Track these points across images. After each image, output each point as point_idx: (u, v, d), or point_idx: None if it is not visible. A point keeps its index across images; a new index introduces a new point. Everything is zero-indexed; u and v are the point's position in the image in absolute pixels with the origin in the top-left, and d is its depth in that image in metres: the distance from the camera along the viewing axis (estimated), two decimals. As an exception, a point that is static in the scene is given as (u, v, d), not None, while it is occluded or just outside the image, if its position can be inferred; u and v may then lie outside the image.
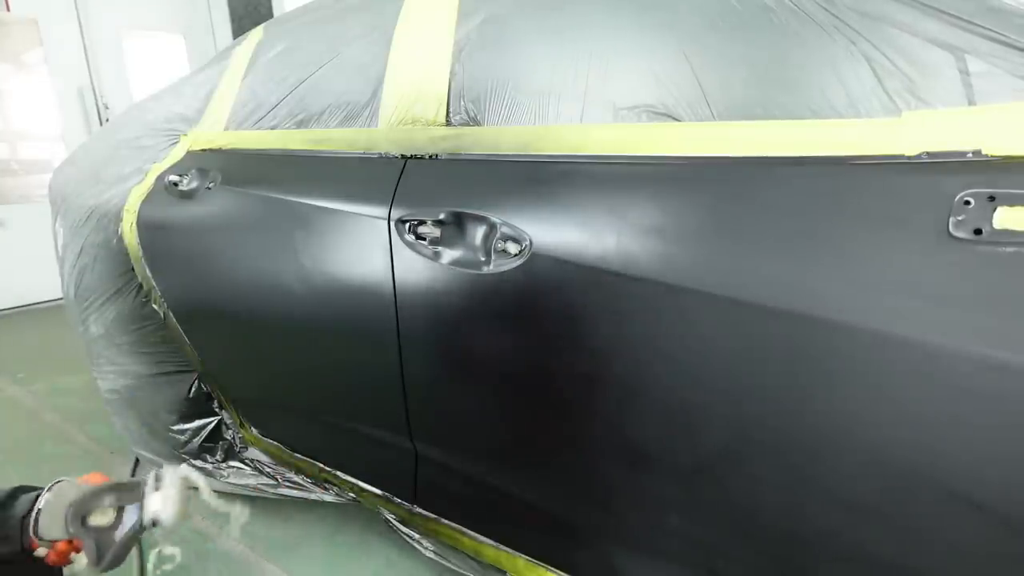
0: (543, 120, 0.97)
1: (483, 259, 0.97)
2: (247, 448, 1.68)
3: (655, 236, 0.81)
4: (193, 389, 1.63)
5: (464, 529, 1.24)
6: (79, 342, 1.76)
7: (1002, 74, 0.64)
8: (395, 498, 1.35)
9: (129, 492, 0.93)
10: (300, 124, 1.33)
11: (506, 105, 1.02)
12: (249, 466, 1.66)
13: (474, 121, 1.05)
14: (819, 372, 0.71)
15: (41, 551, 0.87)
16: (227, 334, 1.49)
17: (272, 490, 1.60)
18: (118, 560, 0.89)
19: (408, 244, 1.05)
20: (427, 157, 1.08)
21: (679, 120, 0.84)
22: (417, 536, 1.34)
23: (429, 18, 1.15)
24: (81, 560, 0.88)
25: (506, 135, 1.00)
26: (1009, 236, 0.60)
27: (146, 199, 1.51)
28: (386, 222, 1.07)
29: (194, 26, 5.59)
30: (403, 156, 1.11)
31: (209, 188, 1.41)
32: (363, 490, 1.41)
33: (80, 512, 0.88)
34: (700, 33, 0.86)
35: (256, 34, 1.63)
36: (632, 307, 0.83)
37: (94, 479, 0.95)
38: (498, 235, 0.95)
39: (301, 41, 1.46)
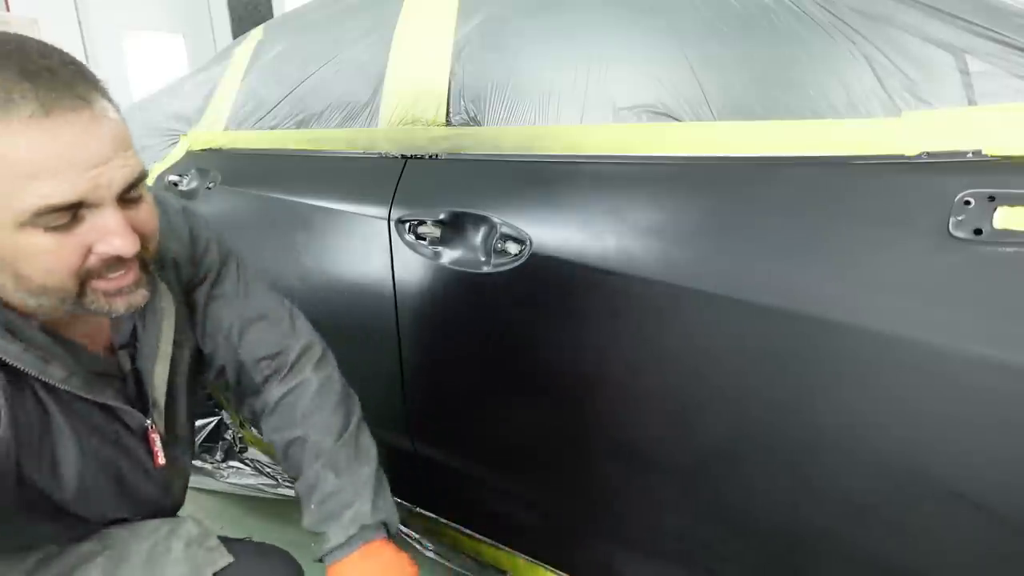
0: (543, 120, 0.97)
1: (483, 259, 0.97)
2: (247, 448, 1.68)
3: (655, 236, 0.81)
4: (193, 389, 1.63)
5: (464, 529, 1.24)
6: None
7: (1002, 74, 0.64)
8: (395, 498, 1.35)
9: None
10: (300, 124, 1.33)
11: (506, 105, 1.02)
12: (249, 466, 1.66)
13: (474, 121, 1.05)
14: (818, 372, 0.71)
15: None
16: (227, 334, 1.49)
17: (272, 490, 1.60)
18: None
19: (408, 244, 1.05)
20: (427, 157, 1.08)
21: (679, 120, 0.83)
22: (417, 536, 1.34)
23: (429, 18, 1.15)
24: None
25: (506, 135, 1.00)
26: (1009, 236, 0.60)
27: (146, 199, 1.51)
28: (386, 222, 1.07)
29: (194, 26, 5.59)
30: (403, 156, 1.11)
31: (209, 188, 1.41)
32: (363, 490, 1.41)
33: None
34: (700, 33, 0.86)
35: (256, 34, 1.63)
36: (632, 307, 0.83)
37: None
38: (498, 235, 0.95)
39: (301, 41, 1.46)
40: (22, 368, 0.58)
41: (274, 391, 0.85)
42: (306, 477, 0.81)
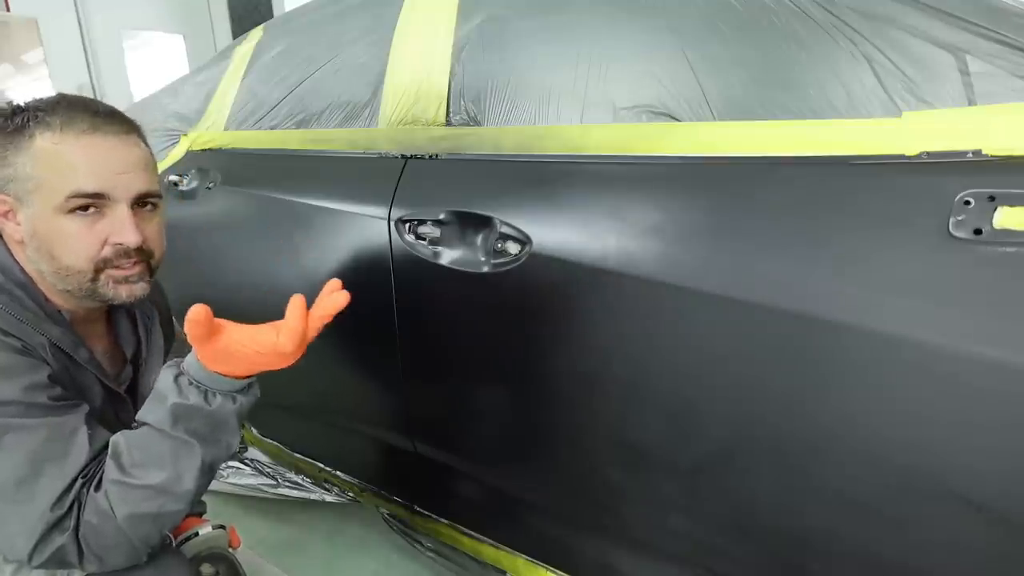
0: (543, 120, 0.97)
1: (483, 259, 0.97)
2: (247, 448, 1.68)
3: (655, 236, 0.81)
4: (193, 389, 1.63)
5: (464, 529, 1.24)
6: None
7: (1002, 74, 0.64)
8: (395, 498, 1.35)
9: None
10: (300, 124, 1.33)
11: (506, 105, 1.02)
12: (249, 466, 1.66)
13: (474, 121, 1.05)
14: (818, 372, 0.71)
15: None
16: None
17: (272, 490, 1.60)
18: None
19: (408, 244, 1.05)
20: (427, 157, 1.08)
21: (679, 120, 0.83)
22: (417, 536, 1.34)
23: (429, 18, 1.15)
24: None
25: (506, 135, 1.00)
26: (1009, 236, 0.60)
27: (146, 199, 1.51)
28: (386, 222, 1.07)
29: (194, 26, 5.59)
30: (403, 156, 1.11)
31: (209, 188, 1.41)
32: (363, 490, 1.41)
33: None
34: (700, 33, 0.86)
35: (256, 34, 1.63)
36: (632, 307, 0.83)
37: None
38: (498, 235, 0.95)
39: (301, 41, 1.46)
40: (62, 347, 0.77)
41: None
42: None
